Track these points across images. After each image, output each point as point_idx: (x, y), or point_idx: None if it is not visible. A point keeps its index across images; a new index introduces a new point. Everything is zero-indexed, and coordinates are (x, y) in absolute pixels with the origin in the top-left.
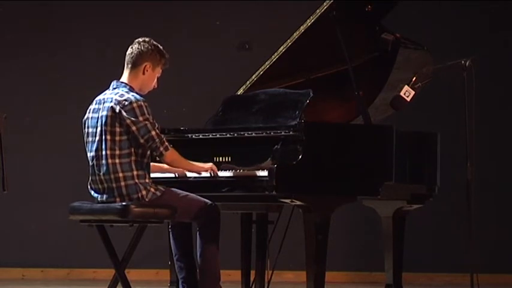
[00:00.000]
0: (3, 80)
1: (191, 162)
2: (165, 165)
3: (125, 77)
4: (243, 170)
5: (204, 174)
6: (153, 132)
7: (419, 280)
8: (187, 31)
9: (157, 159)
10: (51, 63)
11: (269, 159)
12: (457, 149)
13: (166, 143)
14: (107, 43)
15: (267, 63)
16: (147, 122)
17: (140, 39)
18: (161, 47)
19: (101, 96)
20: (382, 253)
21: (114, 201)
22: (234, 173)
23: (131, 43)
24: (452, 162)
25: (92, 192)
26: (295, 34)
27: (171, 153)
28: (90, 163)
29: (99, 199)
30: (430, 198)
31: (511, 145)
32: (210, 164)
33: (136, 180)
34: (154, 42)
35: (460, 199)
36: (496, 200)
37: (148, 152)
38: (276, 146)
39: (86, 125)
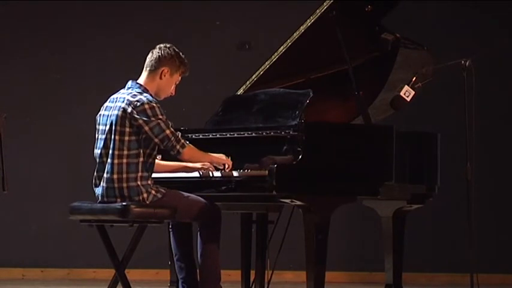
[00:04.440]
0: (3, 80)
1: (209, 154)
2: (188, 164)
3: (142, 79)
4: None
5: (217, 174)
6: (168, 131)
7: (419, 280)
8: (188, 31)
9: (178, 157)
10: (51, 63)
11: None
12: (457, 149)
13: (183, 141)
14: (108, 43)
15: (267, 63)
16: (159, 121)
17: (162, 45)
18: (182, 55)
19: (115, 95)
20: (382, 253)
21: (115, 201)
22: (238, 173)
23: (131, 43)
24: (452, 162)
25: (95, 189)
26: (295, 34)
27: (188, 151)
28: (97, 160)
29: (99, 197)
30: (430, 198)
31: (511, 145)
32: (230, 162)
33: (139, 183)
34: (176, 49)
35: (460, 199)
36: (496, 200)
37: (154, 152)
38: (285, 147)
39: (98, 122)
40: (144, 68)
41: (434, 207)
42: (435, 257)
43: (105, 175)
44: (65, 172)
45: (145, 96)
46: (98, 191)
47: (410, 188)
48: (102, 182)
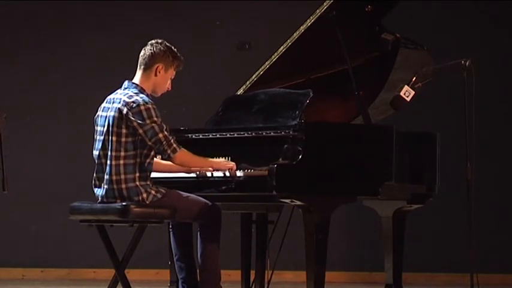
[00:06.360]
0: (3, 80)
1: (207, 158)
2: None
3: (137, 78)
4: (253, 170)
5: (216, 174)
6: (160, 135)
7: (419, 280)
8: (188, 31)
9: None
10: (52, 63)
11: (280, 159)
12: (457, 149)
13: (175, 145)
14: (108, 43)
15: (267, 63)
16: (154, 125)
17: (153, 41)
18: (174, 49)
19: (112, 96)
20: (382, 253)
21: (115, 202)
22: (240, 173)
23: (131, 43)
24: (452, 162)
25: (95, 190)
26: (295, 34)
27: (180, 155)
28: (96, 161)
29: (100, 198)
30: (430, 198)
31: (511, 145)
32: (232, 163)
33: (138, 183)
34: (168, 44)
35: (460, 199)
36: (496, 200)
37: (152, 153)
38: (286, 146)
39: (96, 123)
40: (138, 67)
41: (434, 207)
42: (435, 257)
43: (104, 176)
44: (65, 172)
45: (141, 97)
46: (98, 192)
47: (411, 188)
48: (102, 183)
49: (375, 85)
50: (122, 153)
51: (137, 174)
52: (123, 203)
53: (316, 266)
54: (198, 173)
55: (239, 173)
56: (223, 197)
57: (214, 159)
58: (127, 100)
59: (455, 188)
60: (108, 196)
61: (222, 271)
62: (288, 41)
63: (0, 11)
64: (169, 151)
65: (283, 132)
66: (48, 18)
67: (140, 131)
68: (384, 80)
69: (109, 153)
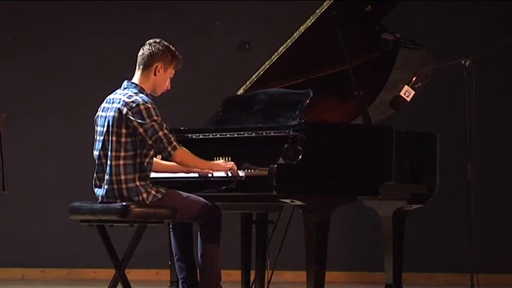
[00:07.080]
0: (3, 80)
1: (207, 161)
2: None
3: (136, 78)
4: (254, 170)
5: (216, 173)
6: (161, 133)
7: (419, 280)
8: (188, 31)
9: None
10: (51, 63)
11: (281, 159)
12: (457, 149)
13: (175, 143)
14: (107, 43)
15: (267, 63)
16: (154, 123)
17: (151, 41)
18: (173, 48)
19: (111, 96)
20: (382, 253)
21: (115, 202)
22: (244, 173)
23: (131, 43)
24: (452, 162)
25: (95, 190)
26: (295, 34)
27: (180, 153)
28: (96, 161)
29: (100, 198)
30: (430, 198)
31: (511, 145)
32: (231, 164)
33: (138, 183)
34: (166, 43)
35: (460, 199)
36: (496, 200)
37: (151, 152)
38: (286, 145)
39: (96, 123)
40: (137, 67)
41: (434, 207)
42: (435, 257)
43: (104, 176)
44: (65, 172)
45: (140, 97)
46: (99, 192)
47: (411, 188)
48: (102, 184)
49: (375, 85)
50: (122, 154)
51: (137, 174)
52: (123, 203)
53: (316, 266)
54: (199, 173)
55: (240, 173)
56: (224, 197)
57: (213, 162)
58: (126, 100)
59: (455, 188)
60: (109, 196)
61: (222, 271)
62: (288, 41)
63: (0, 11)
64: (169, 148)
65: (283, 132)
66: (48, 18)
67: (140, 130)
68: (383, 80)
69: (109, 153)
